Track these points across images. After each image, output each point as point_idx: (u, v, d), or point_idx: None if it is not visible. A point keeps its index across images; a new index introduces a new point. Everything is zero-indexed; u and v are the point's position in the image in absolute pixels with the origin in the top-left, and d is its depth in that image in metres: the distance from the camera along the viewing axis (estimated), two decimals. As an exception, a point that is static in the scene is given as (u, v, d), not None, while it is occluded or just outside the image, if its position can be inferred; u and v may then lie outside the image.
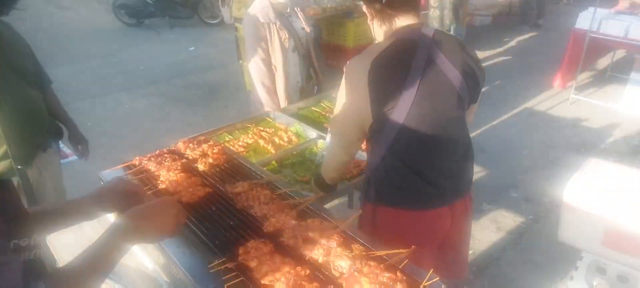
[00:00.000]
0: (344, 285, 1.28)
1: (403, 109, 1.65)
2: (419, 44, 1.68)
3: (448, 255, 2.00)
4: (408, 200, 1.79)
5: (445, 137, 1.77)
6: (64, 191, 2.55)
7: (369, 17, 1.82)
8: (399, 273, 1.31)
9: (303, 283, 1.28)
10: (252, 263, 1.36)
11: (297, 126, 2.77)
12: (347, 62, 1.74)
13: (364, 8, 1.83)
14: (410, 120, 1.66)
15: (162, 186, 1.82)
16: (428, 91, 1.67)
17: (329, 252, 1.40)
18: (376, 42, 1.82)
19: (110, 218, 1.89)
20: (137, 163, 2.01)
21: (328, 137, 2.13)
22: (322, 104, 3.19)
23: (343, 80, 1.73)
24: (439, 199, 1.82)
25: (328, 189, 2.02)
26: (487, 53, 7.55)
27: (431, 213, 1.82)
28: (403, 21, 1.74)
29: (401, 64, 1.66)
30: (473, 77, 1.79)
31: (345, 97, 1.73)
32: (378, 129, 1.71)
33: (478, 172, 4.25)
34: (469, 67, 1.77)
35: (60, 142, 2.67)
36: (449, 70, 1.71)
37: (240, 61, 6.37)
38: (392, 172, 1.75)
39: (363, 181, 1.93)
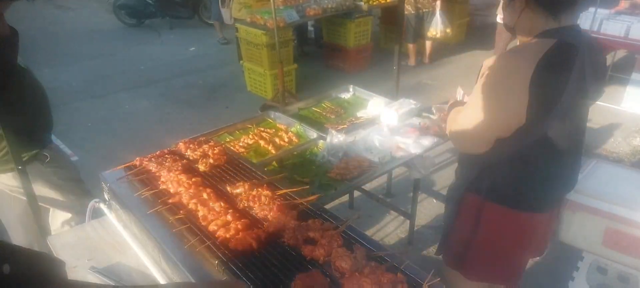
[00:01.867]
0: (345, 285, 1.28)
1: (553, 120, 1.60)
2: (578, 50, 1.58)
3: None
4: (522, 203, 1.78)
5: (574, 151, 1.79)
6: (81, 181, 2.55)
7: (521, 7, 1.63)
8: (399, 274, 1.31)
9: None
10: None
11: (298, 126, 2.77)
12: (497, 57, 1.62)
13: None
14: (554, 132, 1.64)
15: (162, 187, 1.82)
16: (572, 105, 1.63)
17: (329, 253, 1.40)
18: (520, 38, 1.70)
19: (112, 220, 1.89)
20: (137, 163, 2.01)
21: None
22: (322, 104, 3.19)
23: (489, 76, 1.60)
24: (548, 204, 1.85)
25: None
26: (487, 53, 7.54)
27: (539, 216, 1.84)
28: (565, 21, 1.61)
29: (563, 71, 1.55)
30: (602, 83, 1.78)
31: (494, 93, 1.59)
32: (520, 133, 1.62)
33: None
34: (602, 74, 1.77)
35: (61, 142, 2.68)
36: (591, 82, 1.68)
37: (241, 62, 6.37)
38: (517, 175, 1.73)
39: (467, 171, 1.86)
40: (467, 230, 1.90)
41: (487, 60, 1.66)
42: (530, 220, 1.84)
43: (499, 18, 5.90)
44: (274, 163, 2.42)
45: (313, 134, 2.68)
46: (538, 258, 2.21)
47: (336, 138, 2.49)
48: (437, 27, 6.67)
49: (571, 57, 1.55)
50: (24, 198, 2.26)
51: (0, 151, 2.18)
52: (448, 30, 6.71)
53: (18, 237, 2.49)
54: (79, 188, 2.48)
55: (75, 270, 1.70)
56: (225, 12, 7.51)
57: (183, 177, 1.83)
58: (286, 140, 2.65)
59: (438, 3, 6.60)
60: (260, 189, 1.74)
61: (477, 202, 1.83)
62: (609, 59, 6.54)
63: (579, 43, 1.58)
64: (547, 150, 1.69)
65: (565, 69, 1.55)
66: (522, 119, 1.57)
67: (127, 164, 2.02)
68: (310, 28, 8.24)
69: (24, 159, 2.20)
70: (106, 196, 1.97)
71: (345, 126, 2.80)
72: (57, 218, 2.49)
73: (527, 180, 1.76)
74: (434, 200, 3.88)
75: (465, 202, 1.88)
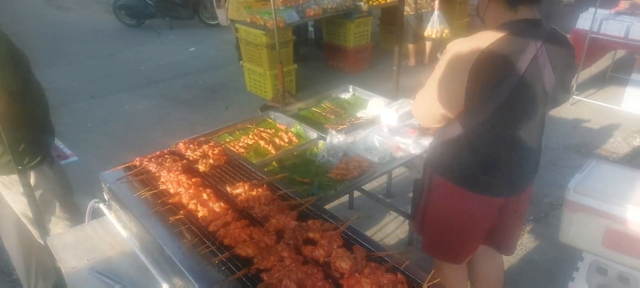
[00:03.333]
0: (345, 286, 1.28)
1: (493, 107, 1.67)
2: (529, 45, 1.65)
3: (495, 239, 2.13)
4: (465, 181, 1.87)
5: (524, 141, 1.83)
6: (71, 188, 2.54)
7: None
8: (399, 275, 1.31)
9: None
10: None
11: (298, 127, 2.77)
12: (453, 41, 1.72)
13: None
14: (497, 119, 1.70)
15: (162, 187, 1.82)
16: (523, 95, 1.68)
17: (329, 253, 1.40)
18: (485, 27, 1.77)
19: (112, 220, 1.89)
20: (137, 164, 2.01)
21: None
22: (322, 105, 3.19)
23: (444, 57, 1.72)
24: (496, 190, 1.89)
25: None
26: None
27: (485, 199, 1.90)
28: (522, 14, 1.68)
29: (506, 63, 1.62)
30: (569, 75, 1.83)
31: (441, 74, 1.72)
32: (463, 116, 1.74)
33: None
34: (568, 66, 1.80)
35: (61, 143, 2.68)
36: (548, 74, 1.71)
37: (241, 62, 6.37)
38: (462, 155, 1.82)
39: (431, 145, 2.04)
40: (424, 203, 2.05)
41: (449, 44, 1.75)
42: (472, 199, 1.89)
43: None
44: (274, 163, 2.42)
45: (313, 134, 2.68)
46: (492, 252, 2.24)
47: (336, 138, 2.49)
48: (433, 27, 6.66)
49: (517, 50, 1.63)
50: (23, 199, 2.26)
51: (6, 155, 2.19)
52: (445, 30, 6.69)
53: (12, 245, 2.48)
54: (72, 196, 2.48)
55: (75, 270, 1.70)
56: (220, 13, 7.49)
57: (183, 178, 1.83)
58: (286, 140, 2.65)
59: (436, 3, 6.59)
60: (260, 190, 1.74)
61: (429, 175, 1.97)
62: (609, 59, 6.54)
63: (533, 37, 1.65)
64: (493, 136, 1.77)
65: (506, 61, 1.62)
66: (461, 102, 1.69)
67: (127, 164, 2.02)
68: (310, 28, 8.24)
69: (34, 162, 2.22)
70: (106, 196, 1.97)
71: (345, 126, 2.80)
72: (58, 225, 2.49)
73: (470, 161, 1.83)
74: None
75: (425, 176, 2.01)
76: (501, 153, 1.82)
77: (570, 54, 1.80)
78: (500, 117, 1.70)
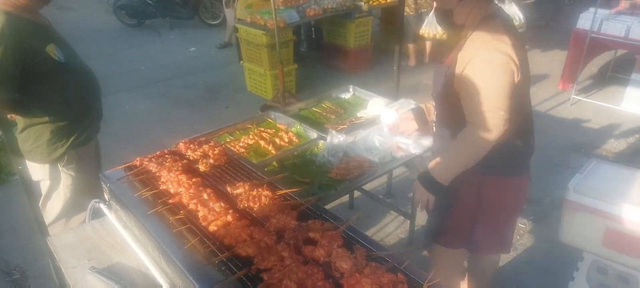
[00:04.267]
0: (345, 285, 1.28)
1: (525, 84, 1.82)
2: (509, 19, 1.85)
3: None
4: (514, 168, 1.98)
5: (530, 122, 1.99)
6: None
7: (468, 3, 1.84)
8: (400, 274, 1.31)
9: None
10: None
11: (298, 127, 2.77)
12: (473, 50, 1.77)
13: None
14: (525, 94, 1.87)
15: (163, 187, 1.82)
16: (526, 67, 1.83)
17: (330, 253, 1.40)
18: (467, 31, 1.88)
19: (112, 220, 1.89)
20: (137, 164, 2.01)
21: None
22: (322, 105, 3.19)
23: (486, 63, 1.74)
24: (528, 164, 2.04)
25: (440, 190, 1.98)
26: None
27: (524, 178, 2.04)
28: (494, 9, 1.87)
29: (519, 40, 1.78)
30: None
31: (498, 73, 1.73)
32: (514, 98, 1.79)
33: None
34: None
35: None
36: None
37: (241, 62, 6.37)
38: (506, 142, 1.84)
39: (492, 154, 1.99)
40: (470, 208, 2.04)
41: (462, 54, 1.81)
42: (524, 182, 2.05)
43: None
44: (274, 163, 2.42)
45: (313, 134, 2.68)
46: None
47: (336, 138, 2.49)
48: (429, 27, 6.64)
49: (514, 28, 1.85)
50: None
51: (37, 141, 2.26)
52: (440, 31, 6.66)
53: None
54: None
55: (75, 270, 1.70)
56: (229, 13, 7.51)
57: (183, 178, 1.83)
58: (286, 140, 2.65)
59: (435, 3, 6.59)
60: (260, 189, 1.74)
61: (477, 179, 1.95)
62: (609, 59, 6.54)
63: (507, 15, 1.88)
64: (526, 115, 1.93)
65: (519, 40, 1.78)
66: (516, 85, 1.76)
67: (127, 164, 2.02)
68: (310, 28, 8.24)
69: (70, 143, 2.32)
70: (106, 196, 1.97)
71: (345, 126, 2.80)
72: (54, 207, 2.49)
73: (520, 147, 1.94)
74: (434, 201, 3.88)
75: (466, 183, 1.97)
76: (532, 128, 1.99)
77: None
78: (526, 92, 1.88)
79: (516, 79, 1.74)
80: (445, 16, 1.91)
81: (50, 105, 2.22)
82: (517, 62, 1.72)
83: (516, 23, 6.86)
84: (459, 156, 1.90)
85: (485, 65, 1.74)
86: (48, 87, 2.17)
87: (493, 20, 1.81)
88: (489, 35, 1.77)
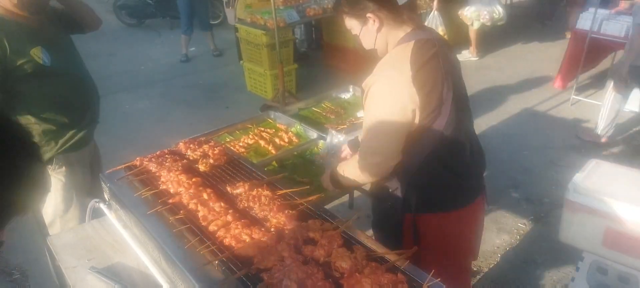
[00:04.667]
0: (345, 285, 1.28)
1: (446, 111, 1.64)
2: (435, 43, 1.65)
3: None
4: (450, 201, 1.80)
5: (470, 135, 1.83)
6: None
7: (375, 27, 1.66)
8: (400, 274, 1.31)
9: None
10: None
11: (298, 127, 2.77)
12: (373, 79, 1.64)
13: (370, 18, 1.65)
14: (450, 122, 1.66)
15: (163, 187, 1.82)
16: (456, 91, 1.69)
17: (329, 253, 1.40)
18: (382, 50, 1.74)
19: (112, 220, 1.89)
20: (137, 163, 2.01)
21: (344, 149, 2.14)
22: (322, 105, 3.19)
23: (378, 96, 1.63)
24: (473, 192, 1.87)
25: (342, 188, 1.95)
26: (487, 53, 7.55)
27: (470, 208, 1.86)
28: (409, 25, 1.68)
29: (436, 62, 1.62)
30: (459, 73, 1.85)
31: (385, 110, 1.62)
32: (419, 135, 1.65)
33: (478, 173, 4.24)
34: (456, 60, 1.83)
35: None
36: (458, 67, 1.76)
37: (241, 62, 6.37)
38: (434, 176, 1.73)
39: (391, 194, 1.82)
40: (409, 247, 1.85)
41: (368, 85, 1.67)
42: (463, 215, 1.84)
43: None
44: (274, 163, 2.42)
45: (313, 134, 2.68)
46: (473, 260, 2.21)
47: (336, 138, 2.49)
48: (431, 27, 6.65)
49: (434, 51, 1.62)
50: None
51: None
52: (440, 31, 6.66)
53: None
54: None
55: (76, 270, 1.70)
56: (229, 13, 7.50)
57: (183, 177, 1.83)
58: (286, 140, 2.65)
59: (435, 3, 6.59)
60: (260, 189, 1.74)
61: (412, 218, 1.80)
62: (609, 59, 6.54)
63: (433, 37, 1.68)
64: (453, 145, 1.71)
65: (436, 65, 1.61)
66: (415, 123, 1.62)
67: (127, 164, 2.01)
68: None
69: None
70: (106, 196, 1.97)
71: (345, 126, 2.80)
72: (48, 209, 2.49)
73: (448, 178, 1.76)
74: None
75: (405, 222, 1.82)
76: (465, 156, 1.78)
77: (452, 50, 1.85)
78: (452, 120, 1.66)
79: (413, 117, 1.60)
80: (356, 40, 1.77)
81: (35, 108, 2.21)
82: (418, 99, 1.57)
83: (496, 16, 6.88)
84: (349, 175, 1.82)
85: (377, 102, 1.63)
86: (32, 90, 2.16)
87: (407, 42, 1.64)
88: (390, 64, 1.63)
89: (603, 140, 4.89)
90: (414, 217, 1.79)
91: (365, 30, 1.69)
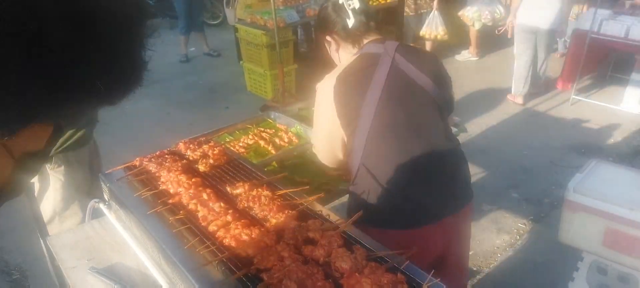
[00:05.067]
0: (344, 285, 1.28)
1: (366, 120, 1.60)
2: (381, 55, 1.69)
3: (445, 273, 1.85)
4: (391, 220, 1.69)
5: (424, 145, 1.67)
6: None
7: (334, 47, 1.87)
8: (399, 275, 1.31)
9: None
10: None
11: (298, 127, 2.77)
12: (318, 83, 1.80)
13: (329, 39, 1.87)
14: (375, 131, 1.60)
15: (162, 187, 1.82)
16: (396, 97, 1.64)
17: (329, 253, 1.40)
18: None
19: (112, 220, 1.89)
20: (137, 164, 2.01)
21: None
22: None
23: (316, 99, 1.79)
24: (424, 217, 1.70)
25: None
26: (487, 54, 7.55)
27: (418, 232, 1.70)
28: (371, 39, 1.80)
29: (364, 76, 1.67)
30: (445, 85, 1.78)
31: (319, 116, 1.80)
32: (350, 145, 1.68)
33: (478, 173, 4.25)
34: (441, 75, 1.76)
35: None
36: (418, 77, 1.68)
37: (241, 62, 6.37)
38: (369, 190, 1.67)
39: (348, 201, 1.88)
40: None
41: (318, 84, 1.82)
42: (411, 236, 1.70)
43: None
44: (274, 163, 2.42)
45: (313, 134, 2.67)
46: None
47: (336, 138, 2.49)
48: (430, 27, 6.65)
49: (371, 63, 1.67)
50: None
51: None
52: (440, 31, 6.67)
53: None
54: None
55: (75, 270, 1.70)
56: (229, 13, 7.51)
57: (183, 178, 1.83)
58: (286, 140, 2.65)
59: (435, 3, 6.59)
60: (260, 189, 1.74)
61: (363, 229, 1.70)
62: (609, 59, 6.54)
63: (384, 49, 1.69)
64: (381, 155, 1.64)
65: (363, 74, 1.66)
66: (343, 133, 1.71)
67: (127, 164, 2.01)
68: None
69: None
70: (106, 196, 1.97)
71: (345, 126, 2.79)
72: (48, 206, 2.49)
73: (379, 194, 1.66)
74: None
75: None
76: (410, 174, 1.66)
77: (433, 58, 1.84)
78: (377, 128, 1.62)
79: (335, 125, 1.70)
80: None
81: None
82: (334, 107, 1.68)
83: (497, 16, 6.89)
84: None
85: (315, 103, 1.81)
86: None
87: (354, 56, 1.79)
88: (329, 74, 1.78)
89: (520, 101, 5.63)
90: (364, 228, 1.64)
91: (331, 50, 1.94)
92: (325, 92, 1.71)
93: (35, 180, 2.39)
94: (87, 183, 2.48)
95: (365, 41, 1.80)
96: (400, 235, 1.68)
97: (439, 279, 1.29)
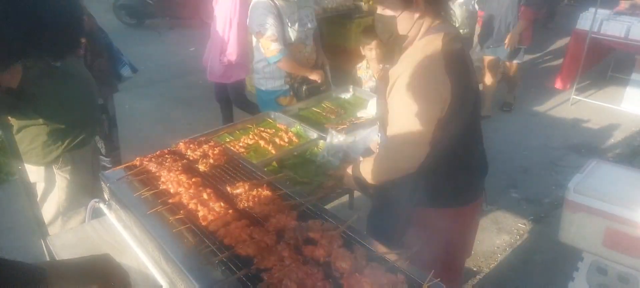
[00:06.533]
0: (345, 286, 1.28)
1: (469, 104, 1.68)
2: (461, 40, 1.72)
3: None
4: (457, 197, 1.82)
5: (480, 135, 1.84)
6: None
7: (417, 14, 1.65)
8: (399, 275, 1.31)
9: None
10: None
11: (298, 127, 2.77)
12: (402, 67, 1.62)
13: (415, 1, 1.63)
14: (471, 116, 1.70)
15: (162, 187, 1.82)
16: (475, 88, 1.73)
17: (329, 253, 1.40)
18: (411, 38, 1.70)
19: (112, 220, 1.89)
20: (137, 163, 2.01)
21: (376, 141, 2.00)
22: (322, 105, 3.19)
23: (411, 84, 1.58)
24: (477, 191, 1.89)
25: (366, 189, 1.94)
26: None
27: (471, 206, 1.89)
28: (438, 18, 1.69)
29: (465, 58, 1.69)
30: None
31: (420, 97, 1.58)
32: (443, 125, 1.63)
33: (478, 173, 4.24)
34: None
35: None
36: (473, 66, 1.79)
37: (241, 61, 6.38)
38: (447, 170, 1.73)
39: (395, 185, 1.78)
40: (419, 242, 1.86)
41: (394, 70, 1.67)
42: (471, 211, 1.91)
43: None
44: (274, 163, 2.42)
45: (313, 134, 2.67)
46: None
47: (336, 138, 2.49)
48: None
49: (462, 46, 1.69)
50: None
51: (34, 143, 2.26)
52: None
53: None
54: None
55: (75, 270, 1.70)
56: None
57: (183, 177, 1.83)
58: (286, 140, 2.65)
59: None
60: (260, 189, 1.74)
61: (414, 212, 1.82)
62: (609, 59, 6.55)
63: (459, 35, 1.73)
64: (467, 138, 1.76)
65: (465, 55, 1.70)
66: (444, 109, 1.62)
67: (127, 164, 2.01)
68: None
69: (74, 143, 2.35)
70: (106, 196, 1.97)
71: (345, 126, 2.79)
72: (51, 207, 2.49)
73: (454, 173, 1.77)
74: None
75: (418, 215, 1.83)
76: (477, 153, 1.83)
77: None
78: (472, 113, 1.73)
79: (444, 106, 1.60)
80: (388, 24, 1.70)
81: (45, 108, 2.22)
82: (450, 87, 1.58)
83: None
84: (377, 168, 1.78)
85: (410, 89, 1.59)
86: (43, 90, 2.17)
87: (436, 33, 1.64)
88: (422, 52, 1.61)
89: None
90: (418, 211, 1.81)
91: (406, 14, 1.65)
92: (433, 71, 1.56)
93: (39, 181, 2.39)
94: (90, 183, 2.49)
95: (437, 21, 1.68)
96: (465, 211, 1.86)
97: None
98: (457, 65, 1.61)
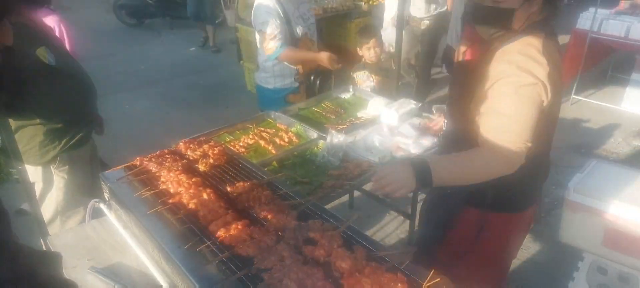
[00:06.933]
0: (345, 285, 1.28)
1: (554, 106, 1.65)
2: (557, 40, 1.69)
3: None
4: (520, 202, 1.84)
5: (552, 138, 1.82)
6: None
7: (534, 4, 1.57)
8: (399, 274, 1.31)
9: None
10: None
11: (298, 127, 2.77)
12: (504, 66, 1.56)
13: None
14: (551, 117, 1.67)
15: (162, 187, 1.82)
16: (557, 88, 1.67)
17: (330, 253, 1.40)
18: (517, 22, 1.61)
19: (112, 220, 1.89)
20: (137, 163, 2.01)
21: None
22: (322, 105, 3.19)
23: (518, 84, 1.53)
24: (537, 195, 1.93)
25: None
26: (487, 53, 7.54)
27: (529, 211, 1.90)
28: (547, 13, 1.64)
29: (557, 57, 1.64)
30: None
31: (528, 98, 1.53)
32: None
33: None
34: None
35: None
36: None
37: (241, 62, 6.37)
38: (522, 174, 1.62)
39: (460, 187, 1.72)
40: (466, 242, 1.91)
41: (493, 67, 1.59)
42: (530, 216, 1.92)
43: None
44: (274, 163, 2.42)
45: (313, 134, 2.67)
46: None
47: (336, 138, 2.49)
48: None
49: (558, 43, 1.67)
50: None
51: (31, 143, 2.27)
52: None
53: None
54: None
55: (75, 270, 1.70)
56: (229, 14, 7.51)
57: (183, 177, 1.83)
58: (286, 140, 2.65)
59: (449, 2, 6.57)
60: (260, 189, 1.74)
61: (479, 214, 1.84)
62: (609, 59, 6.54)
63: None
64: (547, 142, 1.77)
65: (558, 58, 1.64)
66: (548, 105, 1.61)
67: (127, 164, 2.01)
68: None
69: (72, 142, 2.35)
70: (106, 196, 1.97)
71: (345, 126, 2.80)
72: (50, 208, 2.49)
73: (532, 177, 1.78)
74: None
75: (465, 217, 1.86)
76: (548, 158, 1.85)
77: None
78: (556, 119, 1.73)
79: (545, 105, 1.57)
80: (503, 17, 1.57)
81: (42, 108, 2.21)
82: (549, 87, 1.53)
83: None
84: (466, 169, 1.64)
85: (515, 90, 1.53)
86: (39, 90, 2.16)
87: (538, 30, 1.58)
88: (525, 52, 1.54)
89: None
90: (482, 214, 1.83)
91: (526, 7, 1.57)
92: (539, 81, 1.51)
93: (37, 181, 2.39)
94: (88, 183, 2.49)
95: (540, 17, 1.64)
96: (525, 215, 1.88)
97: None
98: (557, 72, 1.58)
